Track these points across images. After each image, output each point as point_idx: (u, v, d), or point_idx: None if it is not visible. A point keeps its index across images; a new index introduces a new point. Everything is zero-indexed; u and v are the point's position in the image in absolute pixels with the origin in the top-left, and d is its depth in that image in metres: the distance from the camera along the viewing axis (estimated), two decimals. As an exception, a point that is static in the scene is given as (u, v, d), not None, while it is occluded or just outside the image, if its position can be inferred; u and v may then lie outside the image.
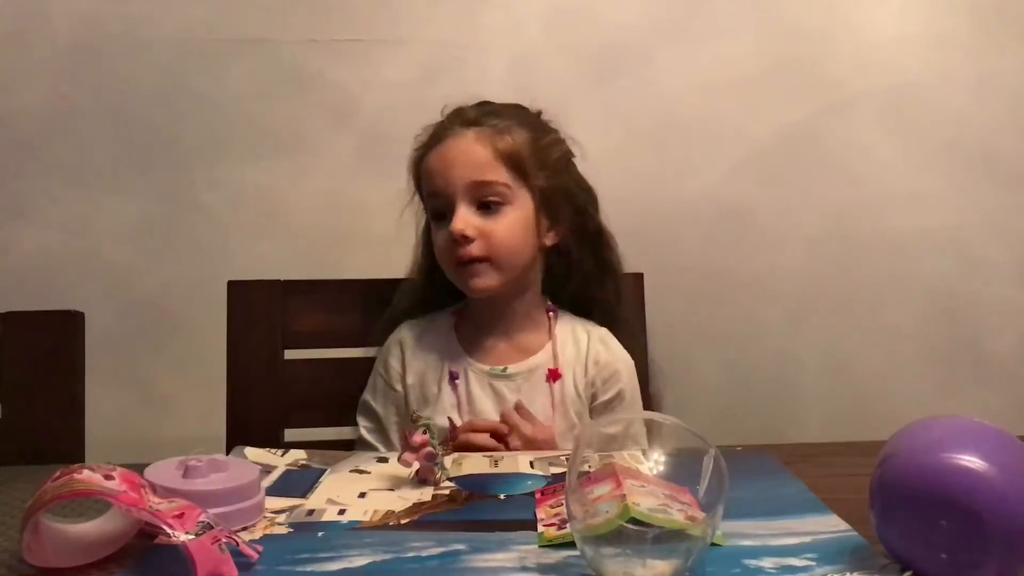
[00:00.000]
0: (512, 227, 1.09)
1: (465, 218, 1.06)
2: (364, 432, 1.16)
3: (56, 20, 1.52)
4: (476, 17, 1.57)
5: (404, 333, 1.17)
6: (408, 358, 1.15)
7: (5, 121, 1.53)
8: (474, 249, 1.07)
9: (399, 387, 1.15)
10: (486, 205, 1.08)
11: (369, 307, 1.23)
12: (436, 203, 1.10)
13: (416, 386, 1.14)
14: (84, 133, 1.54)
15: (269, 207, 1.57)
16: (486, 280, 1.09)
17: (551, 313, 1.18)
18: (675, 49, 1.60)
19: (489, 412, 1.11)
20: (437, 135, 1.11)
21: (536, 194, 1.11)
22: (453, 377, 1.13)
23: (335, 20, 1.56)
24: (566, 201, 1.14)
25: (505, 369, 1.13)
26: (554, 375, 1.13)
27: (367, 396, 1.18)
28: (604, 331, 1.17)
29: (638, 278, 1.28)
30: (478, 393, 1.12)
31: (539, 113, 1.16)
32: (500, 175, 1.08)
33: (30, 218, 1.54)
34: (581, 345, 1.15)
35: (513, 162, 1.09)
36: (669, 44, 1.59)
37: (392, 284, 1.23)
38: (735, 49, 1.60)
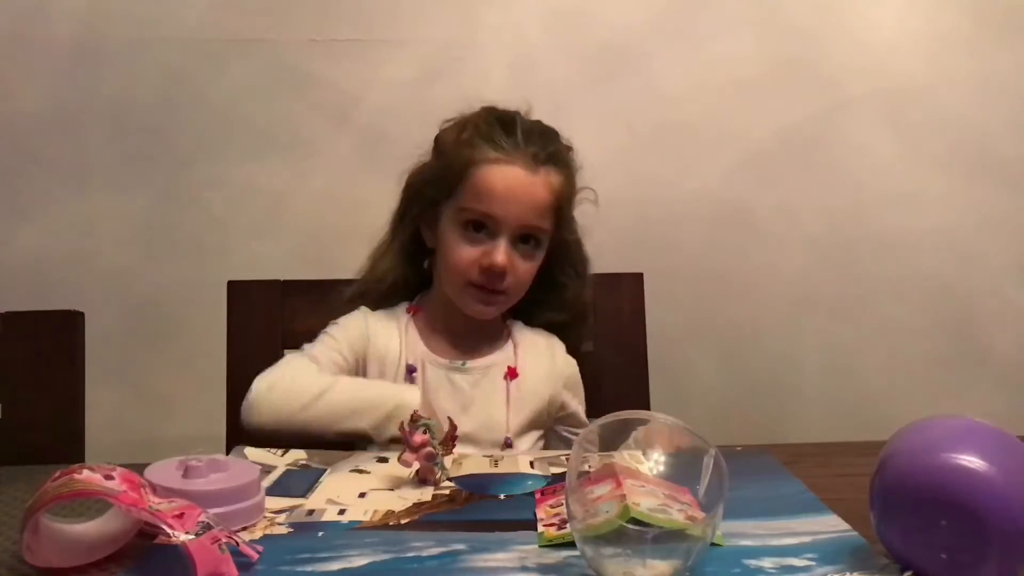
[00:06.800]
0: (534, 268, 1.12)
1: (509, 253, 1.08)
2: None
3: (56, 20, 1.52)
4: (476, 17, 1.57)
5: (368, 317, 1.15)
6: (371, 342, 1.13)
7: (5, 121, 1.53)
8: (502, 283, 1.09)
9: (353, 359, 1.13)
10: (525, 241, 1.10)
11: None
12: (475, 215, 1.08)
13: (375, 374, 1.12)
14: (84, 133, 1.54)
15: (269, 207, 1.57)
16: (495, 310, 1.13)
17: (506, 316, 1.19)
18: (675, 49, 1.59)
19: (446, 403, 1.11)
20: (504, 150, 1.08)
21: (556, 241, 1.14)
22: (411, 371, 1.13)
23: (335, 20, 1.56)
24: (571, 252, 1.17)
25: (464, 363, 1.14)
26: (512, 373, 1.14)
27: (309, 346, 1.12)
28: (555, 338, 1.19)
29: (638, 278, 1.28)
30: (435, 385, 1.12)
31: (570, 149, 1.16)
32: (549, 223, 1.11)
33: (30, 218, 1.54)
34: (543, 352, 1.17)
35: (559, 212, 1.12)
36: (669, 44, 1.59)
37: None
38: (735, 49, 1.60)
